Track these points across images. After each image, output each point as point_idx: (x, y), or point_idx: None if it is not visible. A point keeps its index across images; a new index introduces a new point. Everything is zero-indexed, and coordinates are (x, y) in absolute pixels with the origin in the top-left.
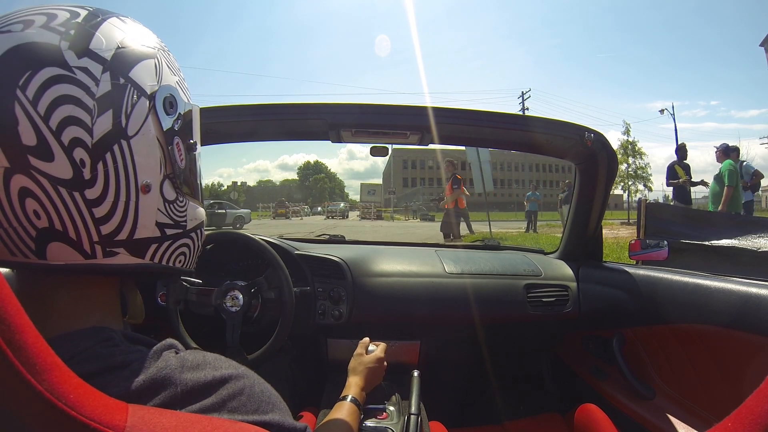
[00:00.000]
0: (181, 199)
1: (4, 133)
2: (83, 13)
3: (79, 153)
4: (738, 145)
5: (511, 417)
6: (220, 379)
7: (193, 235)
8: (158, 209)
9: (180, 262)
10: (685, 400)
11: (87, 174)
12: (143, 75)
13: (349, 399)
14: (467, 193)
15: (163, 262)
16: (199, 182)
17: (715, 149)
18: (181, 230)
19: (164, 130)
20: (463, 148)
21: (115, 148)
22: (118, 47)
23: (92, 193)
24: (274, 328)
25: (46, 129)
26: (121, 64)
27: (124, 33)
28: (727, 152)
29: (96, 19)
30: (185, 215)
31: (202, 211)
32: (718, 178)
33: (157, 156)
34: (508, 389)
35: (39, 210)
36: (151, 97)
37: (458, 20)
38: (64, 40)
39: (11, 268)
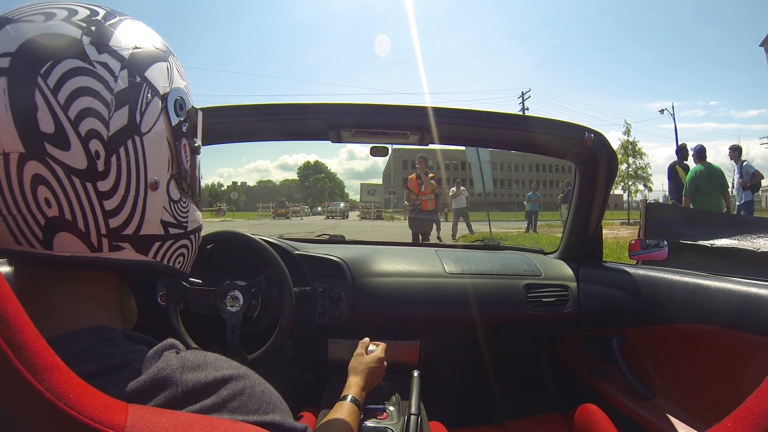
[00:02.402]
0: (184, 200)
1: (22, 118)
2: (102, 11)
3: (95, 144)
4: (739, 145)
5: (511, 417)
6: (221, 379)
7: (192, 237)
8: (164, 207)
9: (179, 263)
10: (685, 400)
11: (101, 166)
12: (157, 76)
13: (349, 399)
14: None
15: (165, 261)
16: (199, 186)
17: (691, 151)
18: (182, 231)
19: (173, 130)
20: (463, 148)
21: (129, 143)
22: (135, 47)
23: (104, 186)
24: (274, 328)
25: (65, 118)
26: (137, 63)
27: (139, 35)
28: (702, 155)
29: (114, 18)
30: (187, 216)
31: (200, 215)
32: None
33: (165, 155)
34: (508, 389)
35: (50, 198)
36: (164, 98)
37: (458, 20)
38: (86, 35)
39: (15, 258)
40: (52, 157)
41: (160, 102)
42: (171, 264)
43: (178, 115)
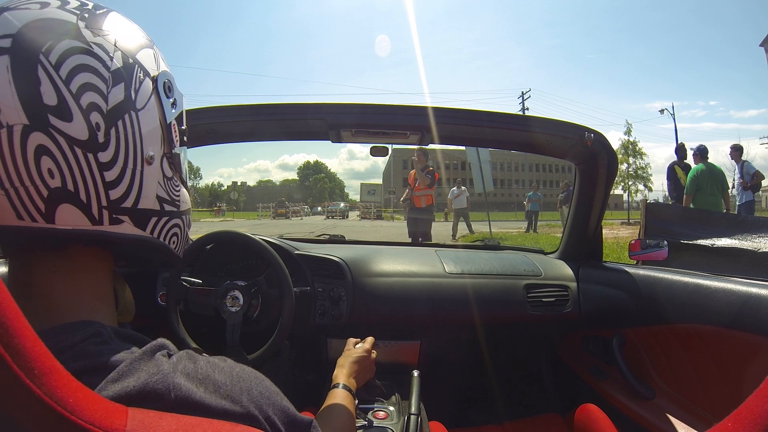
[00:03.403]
0: (175, 179)
1: (26, 92)
2: (90, 2)
3: (95, 117)
4: (740, 144)
5: (511, 417)
6: (214, 384)
7: (184, 217)
8: (159, 183)
9: (174, 243)
10: (685, 400)
11: (101, 137)
12: (146, 60)
13: (340, 386)
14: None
15: (161, 238)
16: (185, 169)
17: (692, 151)
18: (175, 209)
19: (164, 111)
20: (463, 148)
21: (126, 117)
22: (125, 33)
23: (104, 156)
24: (274, 328)
25: (67, 91)
26: (128, 47)
27: (125, 24)
28: (703, 154)
29: (102, 9)
30: (179, 195)
31: (189, 197)
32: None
33: (158, 133)
34: (508, 389)
35: (53, 169)
36: (154, 80)
37: (458, 20)
38: (80, 20)
39: (15, 234)
40: (55, 128)
41: (151, 83)
42: (166, 242)
43: (168, 97)
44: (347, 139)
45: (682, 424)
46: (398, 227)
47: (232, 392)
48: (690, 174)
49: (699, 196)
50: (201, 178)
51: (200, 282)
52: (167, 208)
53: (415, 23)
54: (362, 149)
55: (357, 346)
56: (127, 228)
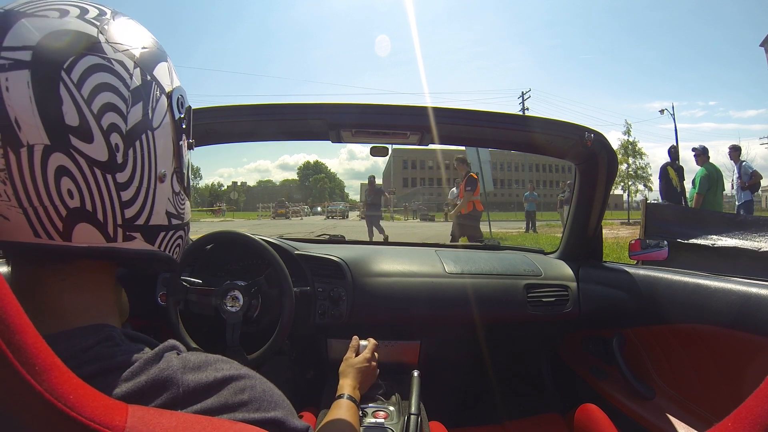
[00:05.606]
0: (182, 193)
1: (47, 111)
2: (108, 11)
3: (115, 138)
4: (739, 145)
5: (511, 417)
6: (221, 379)
7: (186, 227)
8: (168, 199)
9: (176, 253)
10: (685, 400)
11: (120, 158)
12: (162, 75)
13: (345, 397)
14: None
15: (167, 251)
16: (188, 181)
17: (693, 151)
18: (181, 222)
19: (176, 127)
20: (463, 148)
21: (143, 137)
22: (143, 47)
23: (122, 177)
24: (274, 328)
25: (89, 112)
26: (146, 62)
27: (143, 35)
28: (706, 154)
29: (121, 18)
30: (184, 208)
31: (189, 206)
32: (695, 182)
33: (170, 150)
34: (508, 389)
35: (73, 189)
36: (169, 96)
37: (458, 20)
38: (101, 33)
39: (31, 250)
40: (76, 149)
41: (166, 100)
42: (170, 253)
43: (179, 112)
44: (347, 139)
45: (682, 424)
46: (398, 227)
47: (236, 389)
48: (701, 173)
49: (708, 195)
50: (201, 178)
51: (200, 282)
52: (174, 222)
53: (415, 23)
54: (362, 149)
55: (362, 344)
56: (138, 244)
